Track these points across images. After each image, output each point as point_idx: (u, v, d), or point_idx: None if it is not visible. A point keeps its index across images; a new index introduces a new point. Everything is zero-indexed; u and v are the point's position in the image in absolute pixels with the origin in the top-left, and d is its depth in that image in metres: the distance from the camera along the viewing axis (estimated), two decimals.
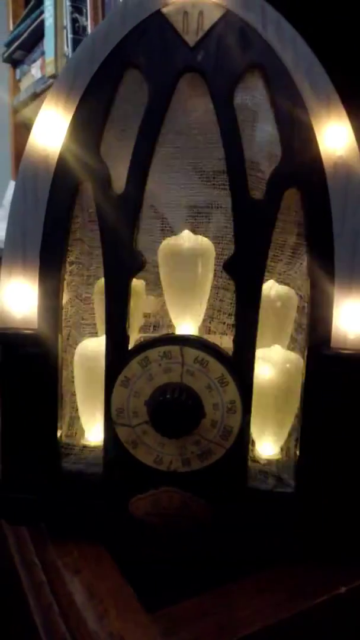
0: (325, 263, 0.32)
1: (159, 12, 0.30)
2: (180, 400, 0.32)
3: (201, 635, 0.29)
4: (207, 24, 0.30)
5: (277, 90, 0.30)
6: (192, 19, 0.30)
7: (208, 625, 0.29)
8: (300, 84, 0.30)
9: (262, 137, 0.32)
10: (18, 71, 1.26)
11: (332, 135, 0.30)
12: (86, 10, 0.92)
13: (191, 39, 0.30)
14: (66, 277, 0.34)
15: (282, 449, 0.37)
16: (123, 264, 0.33)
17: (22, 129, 1.29)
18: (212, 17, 0.30)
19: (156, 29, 0.30)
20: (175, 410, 0.32)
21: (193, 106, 0.32)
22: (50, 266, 0.33)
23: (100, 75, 0.31)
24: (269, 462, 0.37)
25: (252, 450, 0.36)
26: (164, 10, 0.30)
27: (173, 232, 0.37)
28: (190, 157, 0.33)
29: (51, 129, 0.31)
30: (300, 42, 0.30)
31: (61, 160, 0.32)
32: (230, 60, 0.30)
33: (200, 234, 0.37)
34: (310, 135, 0.30)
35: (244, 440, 0.33)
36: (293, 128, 0.30)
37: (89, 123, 0.31)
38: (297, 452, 0.34)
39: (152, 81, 0.31)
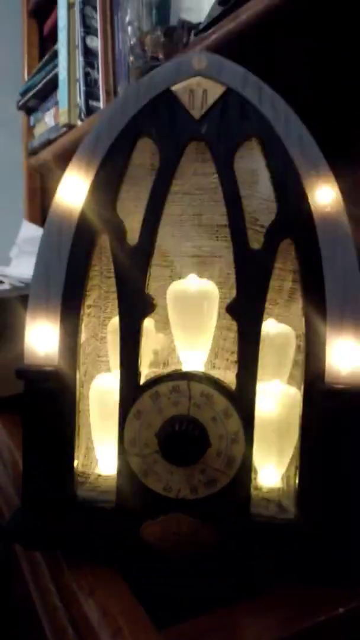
0: (317, 305, 0.35)
1: (168, 90, 0.35)
2: (188, 431, 0.35)
3: None
4: (211, 100, 0.35)
5: (272, 157, 0.34)
6: (197, 96, 0.35)
7: None
8: (293, 151, 0.34)
9: (260, 195, 0.36)
10: (32, 118, 1.33)
11: (321, 194, 0.34)
12: (98, 65, 0.99)
13: (196, 113, 0.35)
14: (84, 318, 0.38)
15: (283, 478, 0.40)
16: (136, 307, 0.36)
17: (35, 172, 1.35)
18: (214, 94, 0.35)
19: (166, 105, 0.35)
20: (183, 440, 0.35)
21: (198, 170, 0.36)
22: (71, 309, 0.37)
23: (117, 144, 0.35)
24: (271, 489, 0.39)
25: (255, 479, 0.39)
26: (173, 88, 0.35)
27: (181, 278, 0.40)
28: (196, 213, 0.37)
29: (74, 189, 0.36)
30: (293, 115, 0.34)
31: (82, 216, 0.36)
32: (231, 131, 0.34)
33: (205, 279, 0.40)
34: (302, 193, 0.34)
35: (247, 468, 0.36)
36: (286, 188, 0.34)
37: (107, 184, 0.36)
38: (297, 481, 0.37)
39: (162, 148, 0.35)
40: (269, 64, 0.43)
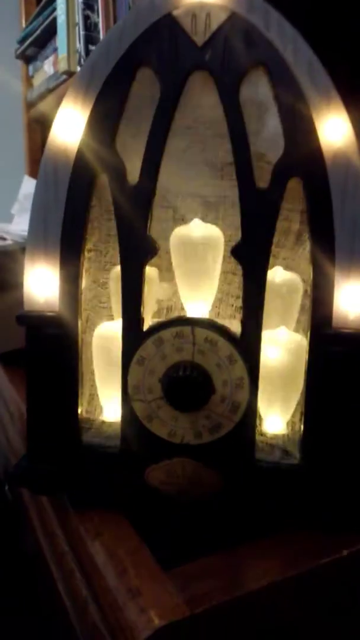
0: (326, 248, 0.34)
1: (169, 15, 0.33)
2: (192, 376, 0.34)
3: (213, 590, 0.31)
4: (214, 26, 0.32)
5: (279, 86, 0.32)
6: (200, 20, 0.32)
7: (219, 581, 0.32)
8: (301, 79, 0.32)
9: (268, 129, 0.34)
10: (31, 67, 1.28)
11: (332, 128, 0.32)
12: (98, 7, 0.94)
13: (199, 39, 0.32)
14: (85, 263, 0.37)
15: (288, 424, 0.39)
16: (137, 250, 0.35)
17: (36, 125, 1.31)
18: (218, 19, 0.32)
19: (167, 31, 0.33)
20: (187, 386, 0.34)
21: (202, 102, 0.34)
22: (70, 253, 0.35)
23: (115, 74, 0.33)
24: (276, 436, 0.39)
25: (260, 425, 0.39)
26: (174, 12, 0.33)
27: (184, 220, 0.39)
28: (200, 150, 0.35)
29: (70, 125, 0.34)
30: (301, 40, 0.32)
31: (79, 154, 0.34)
32: (236, 58, 0.32)
33: (210, 222, 0.39)
34: (311, 127, 0.33)
35: (251, 414, 0.36)
36: (295, 121, 0.32)
37: (105, 119, 0.34)
38: (302, 427, 0.36)
39: (163, 79, 0.33)
40: None
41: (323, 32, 0.42)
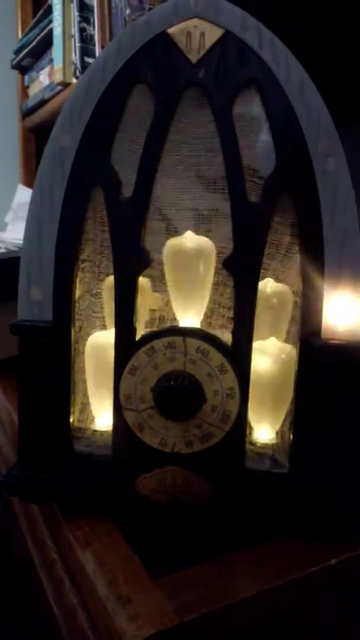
0: (315, 260, 0.34)
1: (164, 33, 0.33)
2: (183, 386, 0.35)
3: (202, 599, 0.31)
4: (208, 44, 0.33)
5: (271, 103, 0.33)
6: (194, 39, 0.33)
7: (208, 590, 0.32)
8: (293, 97, 0.33)
9: (260, 145, 0.35)
10: (27, 78, 1.29)
11: (322, 145, 0.33)
12: (94, 20, 0.96)
13: (194, 56, 0.33)
14: (79, 273, 0.37)
15: (277, 434, 0.40)
16: (131, 262, 0.36)
17: (31, 134, 1.32)
18: (212, 37, 0.33)
19: (162, 48, 0.33)
20: (178, 395, 0.35)
21: (195, 117, 0.35)
22: (64, 264, 0.36)
23: (111, 89, 0.34)
24: (266, 445, 0.39)
25: (250, 435, 0.39)
26: (169, 31, 0.33)
27: (177, 232, 0.40)
28: (193, 164, 0.36)
29: (66, 140, 0.34)
30: (293, 59, 0.33)
31: (75, 167, 0.35)
32: (229, 76, 0.33)
33: (202, 235, 0.40)
34: (302, 143, 0.33)
35: (242, 424, 0.36)
36: (286, 137, 0.33)
37: (101, 134, 0.34)
38: (291, 436, 0.37)
39: (158, 95, 0.34)
40: (271, 10, 0.41)
41: (316, 50, 0.43)
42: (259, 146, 0.34)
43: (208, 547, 0.36)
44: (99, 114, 0.34)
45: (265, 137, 0.34)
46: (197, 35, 0.33)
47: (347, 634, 0.39)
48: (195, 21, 0.33)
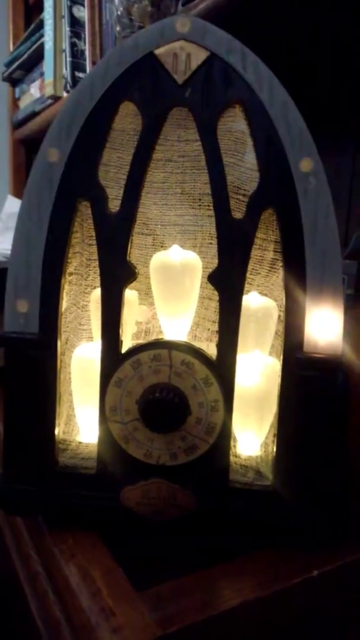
0: (298, 276, 0.35)
1: (151, 54, 0.34)
2: (168, 398, 0.35)
3: (186, 610, 0.32)
4: (194, 65, 0.34)
5: (255, 124, 0.34)
6: (180, 60, 0.34)
7: (192, 602, 0.32)
8: (275, 118, 0.34)
9: (244, 163, 0.36)
10: (17, 90, 1.30)
11: (303, 164, 0.34)
12: (84, 35, 0.97)
13: (180, 77, 0.34)
14: (65, 286, 0.37)
15: (261, 446, 0.40)
16: (117, 275, 0.36)
17: (20, 146, 1.33)
18: (198, 59, 0.34)
19: (149, 69, 0.34)
20: (163, 407, 0.35)
21: (181, 136, 0.35)
22: (51, 277, 0.36)
23: (98, 108, 0.34)
24: (250, 457, 0.40)
25: (234, 447, 0.40)
26: (156, 52, 0.34)
27: (163, 247, 0.40)
28: (179, 181, 0.37)
29: (54, 156, 0.35)
30: (276, 82, 0.34)
31: (63, 182, 0.35)
32: (214, 96, 0.34)
33: (188, 249, 0.40)
34: (285, 163, 0.34)
35: (226, 436, 0.37)
36: (269, 157, 0.34)
37: (88, 151, 0.35)
38: (274, 449, 0.37)
39: (145, 114, 0.35)
40: (257, 34, 0.43)
41: (298, 75, 0.44)
42: (244, 164, 0.35)
43: (192, 559, 0.36)
44: (87, 131, 0.35)
45: (249, 156, 0.35)
46: (183, 57, 0.34)
47: None
48: (181, 43, 0.34)
